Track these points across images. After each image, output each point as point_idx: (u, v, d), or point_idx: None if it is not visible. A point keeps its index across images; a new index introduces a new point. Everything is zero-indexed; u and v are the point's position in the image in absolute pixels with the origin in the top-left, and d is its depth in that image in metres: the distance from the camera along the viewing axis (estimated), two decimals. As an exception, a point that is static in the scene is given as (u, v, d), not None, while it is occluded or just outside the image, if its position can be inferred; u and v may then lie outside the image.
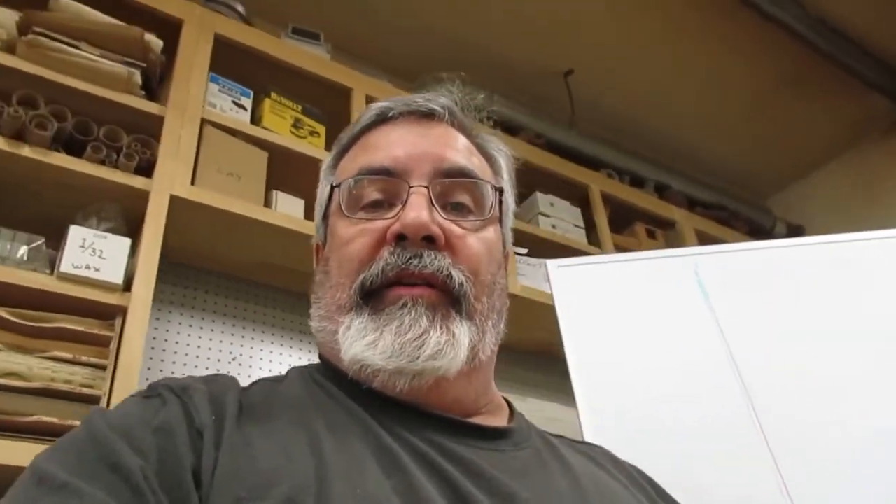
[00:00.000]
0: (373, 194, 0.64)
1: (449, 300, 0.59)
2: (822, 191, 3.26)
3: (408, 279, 0.59)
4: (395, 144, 0.66)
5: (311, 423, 0.55)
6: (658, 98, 2.86)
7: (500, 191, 0.69)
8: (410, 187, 0.62)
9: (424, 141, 0.66)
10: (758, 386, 1.18)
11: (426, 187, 0.62)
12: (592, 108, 2.81)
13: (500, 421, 0.66)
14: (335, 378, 0.63)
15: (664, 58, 2.67)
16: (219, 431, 0.51)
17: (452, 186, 0.65)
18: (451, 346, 0.57)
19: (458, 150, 0.67)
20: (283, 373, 0.67)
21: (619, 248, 2.39)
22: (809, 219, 3.25)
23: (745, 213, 3.19)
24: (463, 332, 0.59)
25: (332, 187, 0.68)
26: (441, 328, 0.57)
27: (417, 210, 0.60)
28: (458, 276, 0.60)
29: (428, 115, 0.69)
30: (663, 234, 2.68)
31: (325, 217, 0.70)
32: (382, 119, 0.70)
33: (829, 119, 2.99)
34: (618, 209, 2.59)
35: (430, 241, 0.60)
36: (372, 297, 0.60)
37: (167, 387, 0.55)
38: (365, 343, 0.57)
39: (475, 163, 0.69)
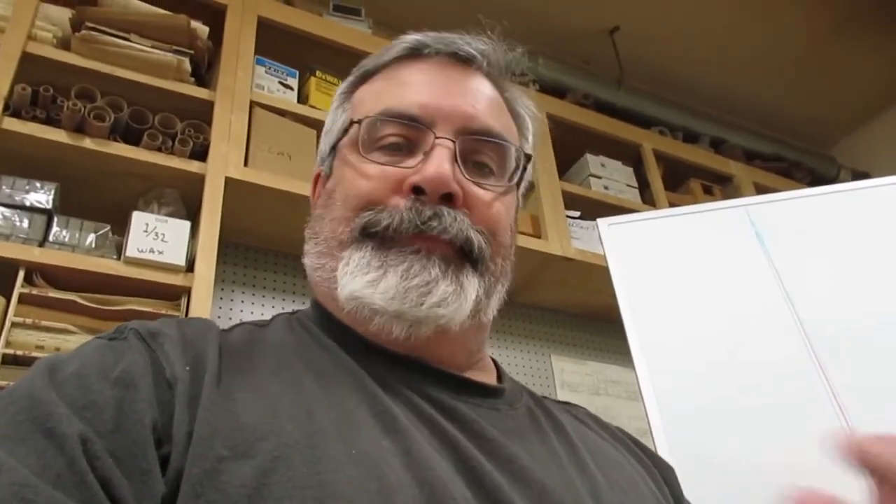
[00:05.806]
0: (393, 137, 0.59)
1: (464, 257, 0.57)
2: (887, 135, 3.12)
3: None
4: (426, 88, 0.61)
5: (298, 375, 0.51)
6: (708, 49, 2.77)
7: (529, 158, 0.64)
8: (436, 138, 0.57)
9: (457, 90, 0.61)
10: (820, 336, 1.15)
11: (453, 141, 0.58)
12: (640, 64, 2.74)
13: (490, 379, 0.63)
14: (327, 325, 0.60)
15: (712, 5, 2.58)
16: (196, 384, 0.46)
17: (479, 145, 0.60)
18: (456, 296, 0.54)
19: (490, 107, 0.62)
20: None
21: (675, 207, 2.34)
22: (877, 165, 3.12)
23: (807, 163, 3.07)
24: (472, 284, 0.56)
25: (352, 122, 0.61)
26: (451, 279, 0.55)
27: (439, 165, 0.56)
28: (476, 238, 0.57)
29: (464, 60, 0.64)
30: (721, 189, 2.62)
31: (335, 148, 0.64)
32: (414, 54, 0.64)
33: (890, 59, 2.85)
34: (672, 167, 2.54)
35: (447, 198, 0.56)
36: (376, 235, 0.56)
37: (135, 331, 0.50)
38: (366, 280, 0.54)
39: (504, 122, 0.64)
